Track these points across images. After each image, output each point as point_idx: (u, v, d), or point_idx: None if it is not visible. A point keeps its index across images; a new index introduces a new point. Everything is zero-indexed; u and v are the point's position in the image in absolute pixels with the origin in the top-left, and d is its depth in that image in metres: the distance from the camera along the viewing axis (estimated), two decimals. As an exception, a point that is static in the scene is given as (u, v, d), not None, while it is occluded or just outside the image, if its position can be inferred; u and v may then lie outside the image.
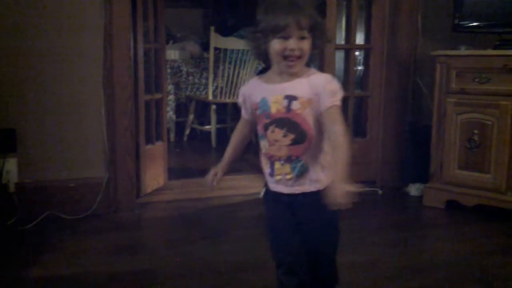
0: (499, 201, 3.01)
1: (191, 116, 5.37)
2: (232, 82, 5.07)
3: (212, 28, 4.99)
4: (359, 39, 3.83)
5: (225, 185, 3.63)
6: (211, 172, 1.80)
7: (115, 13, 3.02)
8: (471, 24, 3.23)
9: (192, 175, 3.91)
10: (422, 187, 3.37)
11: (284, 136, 1.63)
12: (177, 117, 5.48)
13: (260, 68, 5.12)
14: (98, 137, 3.09)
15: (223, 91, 5.06)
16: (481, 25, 3.22)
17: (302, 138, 1.62)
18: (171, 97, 5.28)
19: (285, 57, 1.59)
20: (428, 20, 3.61)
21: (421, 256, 2.55)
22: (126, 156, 3.15)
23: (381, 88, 3.68)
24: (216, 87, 5.10)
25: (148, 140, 3.43)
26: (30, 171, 2.99)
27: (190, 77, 5.48)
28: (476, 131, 3.06)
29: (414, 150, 3.58)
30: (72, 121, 3.04)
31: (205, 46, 5.61)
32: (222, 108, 5.53)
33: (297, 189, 1.67)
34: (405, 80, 3.62)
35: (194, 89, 5.49)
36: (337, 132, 1.60)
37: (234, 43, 4.97)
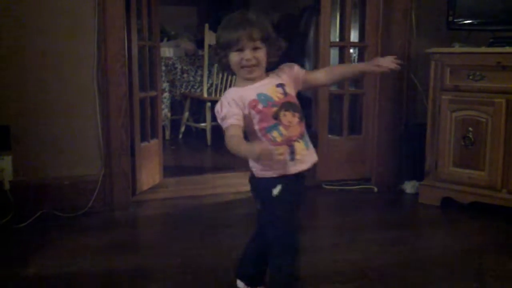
0: (494, 198, 3.02)
1: (186, 114, 5.37)
2: (226, 80, 5.06)
3: (207, 25, 4.99)
4: (354, 36, 3.84)
5: (218, 183, 3.64)
6: (259, 145, 1.69)
7: (108, 10, 3.01)
8: (465, 22, 3.23)
9: (187, 172, 3.91)
10: (418, 185, 3.38)
11: (293, 115, 1.82)
12: (172, 114, 5.47)
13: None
14: (93, 135, 3.09)
15: (218, 89, 5.06)
16: (475, 23, 3.23)
17: (301, 114, 1.85)
18: (166, 94, 5.28)
19: (243, 67, 1.80)
20: (422, 18, 3.61)
21: (416, 254, 2.55)
22: (121, 154, 3.14)
23: (375, 86, 3.69)
24: (211, 85, 5.10)
25: (143, 138, 3.43)
26: (25, 169, 2.99)
27: (185, 75, 5.48)
28: (470, 129, 3.07)
29: (409, 147, 3.59)
30: (67, 118, 3.03)
31: (200, 44, 5.60)
32: (217, 105, 5.51)
33: (309, 161, 1.88)
34: (400, 77, 3.62)
35: (189, 87, 5.49)
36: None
37: (228, 41, 4.95)
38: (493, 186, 3.01)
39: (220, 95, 5.07)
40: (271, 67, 1.89)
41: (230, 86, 5.03)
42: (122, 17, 3.07)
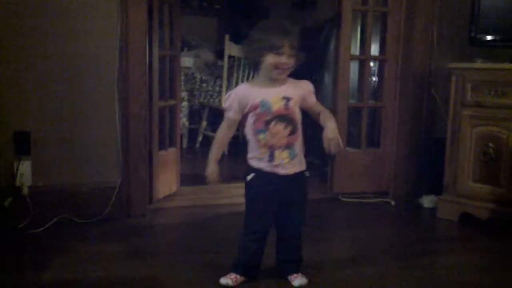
0: (513, 215, 2.98)
1: (204, 123, 5.38)
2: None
3: (227, 36, 5.02)
4: (374, 50, 3.83)
5: (234, 193, 3.64)
6: (214, 170, 2.20)
7: (131, 19, 3.04)
8: (487, 38, 3.21)
9: (204, 182, 3.88)
10: (436, 199, 3.35)
11: (285, 128, 2.11)
12: (190, 123, 5.49)
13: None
14: (112, 142, 3.10)
15: (237, 99, 5.05)
16: (497, 39, 3.21)
17: (295, 129, 2.13)
18: (185, 103, 5.30)
19: (277, 68, 2.08)
20: (444, 33, 3.59)
21: (432, 270, 2.52)
22: (139, 161, 3.16)
23: (395, 99, 3.68)
24: (230, 95, 5.10)
25: (161, 146, 3.44)
26: (43, 174, 3.01)
27: (204, 84, 5.50)
28: (491, 144, 3.04)
29: (428, 161, 3.56)
30: (87, 125, 3.06)
31: (219, 54, 5.63)
32: (235, 116, 5.52)
33: (291, 170, 2.16)
34: (420, 91, 3.60)
35: (208, 96, 5.51)
36: (325, 109, 2.23)
37: (248, 52, 4.97)
38: (512, 203, 2.98)
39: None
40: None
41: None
42: (144, 25, 3.09)
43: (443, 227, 3.18)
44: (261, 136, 2.12)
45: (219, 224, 3.17)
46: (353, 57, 3.73)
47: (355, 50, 4.04)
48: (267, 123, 2.10)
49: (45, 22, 2.92)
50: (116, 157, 3.12)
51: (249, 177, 2.19)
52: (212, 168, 2.19)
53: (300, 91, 2.17)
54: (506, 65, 3.04)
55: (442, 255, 2.76)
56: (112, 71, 3.06)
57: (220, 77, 5.35)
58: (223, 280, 2.22)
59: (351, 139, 3.76)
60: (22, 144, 2.95)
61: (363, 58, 3.77)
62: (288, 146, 2.13)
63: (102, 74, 3.05)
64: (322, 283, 2.30)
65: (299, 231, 2.27)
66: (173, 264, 2.51)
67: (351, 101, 3.76)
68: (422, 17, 3.56)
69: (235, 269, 2.24)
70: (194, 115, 5.66)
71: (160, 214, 3.25)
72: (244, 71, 5.01)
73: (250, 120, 2.14)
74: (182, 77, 5.16)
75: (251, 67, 2.19)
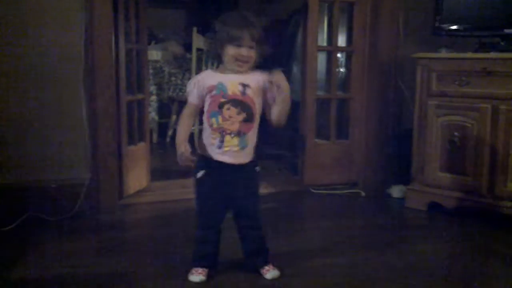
0: (479, 203, 3.04)
1: (174, 117, 5.35)
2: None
3: (195, 28, 4.98)
4: (341, 41, 3.85)
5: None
6: (186, 149, 2.13)
7: (96, 12, 3.00)
8: (452, 27, 3.26)
9: (175, 176, 3.89)
10: (405, 189, 3.40)
11: (238, 114, 2.09)
12: (159, 118, 5.46)
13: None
14: (80, 138, 3.07)
15: (206, 92, 5.04)
16: (461, 28, 3.25)
17: (251, 118, 2.12)
18: (153, 97, 5.26)
19: (237, 60, 2.08)
20: (410, 23, 3.64)
21: (401, 258, 2.56)
22: (108, 157, 3.13)
23: (363, 90, 3.71)
24: (199, 88, 5.08)
25: (130, 141, 3.41)
26: (10, 171, 2.96)
27: (173, 78, 5.47)
28: (456, 134, 3.09)
29: (396, 152, 3.60)
30: (53, 121, 3.02)
31: (188, 47, 5.59)
32: (204, 109, 5.51)
33: (238, 160, 2.15)
34: (387, 82, 3.64)
35: (177, 90, 5.47)
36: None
37: (216, 44, 4.94)
38: (479, 191, 3.03)
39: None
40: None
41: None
42: (110, 18, 3.06)
43: (411, 216, 3.22)
44: (213, 119, 2.11)
45: (190, 219, 3.14)
46: (320, 48, 3.74)
47: (323, 41, 4.06)
48: (221, 106, 2.10)
49: (7, 15, 2.86)
50: (85, 153, 3.09)
51: (199, 174, 2.20)
52: (182, 148, 2.13)
53: (263, 81, 2.12)
54: (470, 54, 3.09)
55: (410, 244, 2.80)
56: (78, 66, 3.02)
57: (189, 70, 5.32)
58: (195, 278, 2.22)
59: (320, 131, 3.78)
60: (-13, 141, 2.90)
61: (331, 49, 3.79)
62: (239, 134, 2.11)
63: (67, 68, 3.01)
64: (294, 274, 2.31)
65: (258, 222, 2.28)
66: (143, 259, 2.50)
67: (320, 93, 3.78)
68: (388, 7, 3.59)
69: (198, 262, 2.25)
70: (163, 109, 5.63)
71: (131, 210, 3.23)
72: (213, 64, 4.99)
73: (206, 103, 2.14)
74: (150, 71, 5.13)
75: (214, 59, 2.19)
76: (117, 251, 2.62)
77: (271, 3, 6.29)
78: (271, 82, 2.08)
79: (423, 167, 3.24)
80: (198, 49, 4.97)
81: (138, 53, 3.48)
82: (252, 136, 2.15)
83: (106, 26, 3.04)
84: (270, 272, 2.26)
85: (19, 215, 2.90)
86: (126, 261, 2.48)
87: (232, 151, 2.12)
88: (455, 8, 3.26)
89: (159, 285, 2.25)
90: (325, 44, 4.00)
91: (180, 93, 5.43)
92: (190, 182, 3.79)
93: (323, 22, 4.15)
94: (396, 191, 3.54)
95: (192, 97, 2.17)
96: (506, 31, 3.08)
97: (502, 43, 3.09)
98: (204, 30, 5.29)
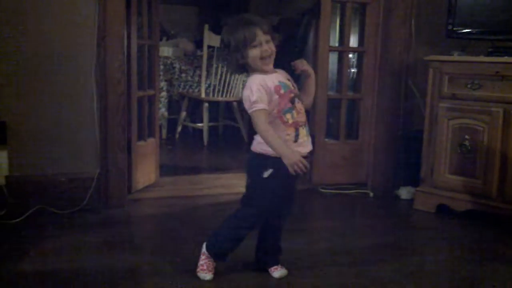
0: (489, 207, 3.03)
1: (183, 114, 5.36)
2: (224, 81, 5.07)
3: (206, 26, 4.99)
4: (353, 41, 3.84)
5: (214, 184, 3.64)
6: (299, 154, 2.06)
7: (109, 8, 3.01)
8: (465, 31, 3.24)
9: (183, 172, 3.91)
10: (413, 191, 3.39)
11: (302, 105, 2.15)
12: (169, 114, 5.47)
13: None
14: (90, 132, 3.08)
15: (216, 89, 5.06)
16: (474, 32, 3.24)
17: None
18: (164, 94, 5.27)
19: (262, 58, 2.06)
20: (422, 25, 3.62)
21: (409, 260, 2.55)
22: (117, 152, 3.14)
23: (373, 91, 3.70)
24: (209, 85, 5.10)
25: (140, 137, 3.42)
26: (21, 164, 2.98)
27: (183, 75, 5.48)
28: (467, 137, 3.08)
29: (406, 153, 3.60)
30: (65, 115, 3.03)
31: (199, 44, 5.60)
32: (214, 106, 5.53)
33: (308, 148, 2.17)
34: (398, 83, 3.63)
35: (187, 87, 5.49)
36: None
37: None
38: (488, 194, 3.02)
39: (217, 96, 5.08)
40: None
41: (228, 87, 5.05)
42: (122, 14, 3.07)
43: (420, 218, 3.21)
44: (288, 115, 2.09)
45: (198, 214, 3.17)
46: (332, 49, 3.74)
47: (334, 41, 4.05)
48: (292, 101, 2.10)
49: (18, 12, 2.88)
50: (95, 148, 3.10)
51: (266, 174, 2.11)
52: (297, 155, 2.03)
53: (288, 76, 2.19)
54: (482, 58, 3.08)
55: (418, 246, 2.80)
56: (90, 61, 3.02)
57: (199, 67, 5.33)
58: (207, 276, 2.21)
59: (330, 130, 3.77)
60: (-2, 133, 2.91)
61: (342, 50, 3.78)
62: (305, 124, 2.15)
63: (79, 64, 3.02)
64: (301, 274, 2.32)
65: (285, 221, 2.30)
66: (151, 255, 2.51)
67: (330, 93, 3.78)
68: (400, 9, 3.58)
69: (223, 258, 2.24)
70: (173, 105, 5.64)
71: (139, 205, 3.24)
72: (224, 62, 5.00)
73: (274, 104, 2.07)
74: (161, 67, 5.14)
75: (239, 71, 2.15)
76: (125, 245, 2.63)
77: (282, 2, 6.29)
78: (303, 70, 2.15)
79: (433, 169, 3.23)
80: (209, 46, 4.98)
81: (149, 49, 3.49)
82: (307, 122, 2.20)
83: (119, 21, 3.05)
84: (278, 271, 2.26)
85: (28, 208, 2.92)
86: (134, 256, 2.49)
87: (303, 141, 2.13)
88: (468, 11, 3.24)
89: (167, 280, 2.25)
90: (336, 44, 3.99)
91: (190, 90, 5.44)
92: (198, 178, 3.86)
93: (335, 22, 4.14)
94: (404, 192, 3.53)
95: (263, 104, 2.04)
96: (520, 35, 3.07)
97: (515, 47, 3.08)
98: (215, 27, 5.31)
